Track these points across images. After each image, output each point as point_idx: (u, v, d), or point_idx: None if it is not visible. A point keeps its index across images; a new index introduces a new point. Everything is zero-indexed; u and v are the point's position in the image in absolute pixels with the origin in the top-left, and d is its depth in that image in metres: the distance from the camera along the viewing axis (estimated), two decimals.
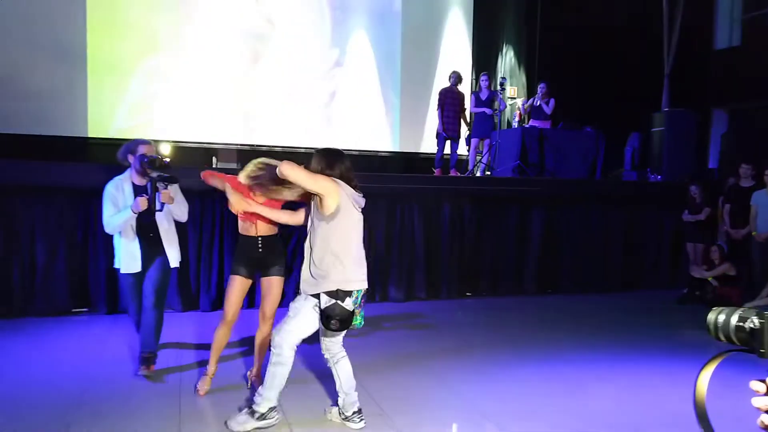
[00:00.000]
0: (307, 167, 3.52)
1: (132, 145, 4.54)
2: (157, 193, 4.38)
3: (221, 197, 6.77)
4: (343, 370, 3.71)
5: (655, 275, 8.95)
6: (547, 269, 8.32)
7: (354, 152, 10.06)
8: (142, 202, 4.34)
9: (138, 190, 4.47)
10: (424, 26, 10.46)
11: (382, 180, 7.46)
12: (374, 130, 10.35)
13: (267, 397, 3.56)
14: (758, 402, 0.97)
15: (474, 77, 10.52)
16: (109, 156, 8.76)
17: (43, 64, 8.71)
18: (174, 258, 4.60)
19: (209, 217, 6.83)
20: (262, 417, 3.57)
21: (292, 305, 3.66)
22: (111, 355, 5.11)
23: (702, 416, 1.02)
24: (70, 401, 4.00)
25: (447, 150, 9.51)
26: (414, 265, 7.62)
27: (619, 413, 4.11)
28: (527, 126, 9.80)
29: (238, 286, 4.13)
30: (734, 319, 0.98)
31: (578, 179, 9.43)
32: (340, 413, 3.77)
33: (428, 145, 10.24)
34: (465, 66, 10.49)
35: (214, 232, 6.85)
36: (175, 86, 9.24)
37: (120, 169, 4.62)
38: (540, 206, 8.25)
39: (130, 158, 4.50)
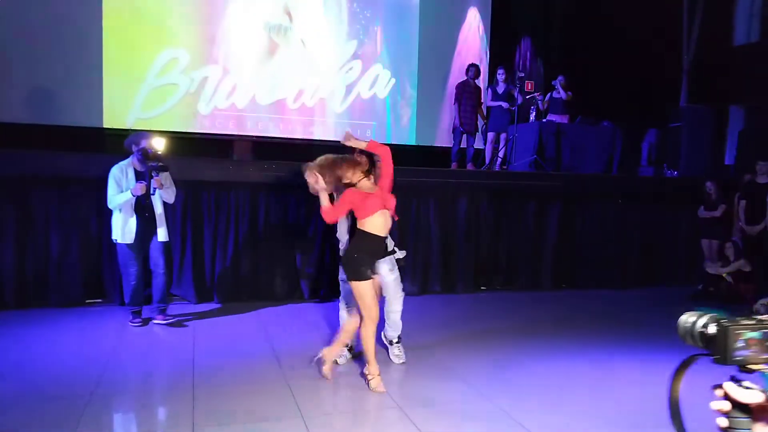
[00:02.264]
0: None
1: (136, 137, 5.45)
2: (151, 180, 5.34)
3: (236, 189, 6.81)
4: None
5: (671, 271, 8.90)
6: (563, 264, 8.29)
7: None
8: (141, 188, 5.31)
9: (138, 176, 5.42)
10: (442, 19, 10.40)
11: (398, 173, 7.41)
12: (391, 123, 10.31)
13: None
14: (716, 405, 0.98)
15: (491, 71, 10.45)
16: (124, 147, 8.83)
17: (58, 54, 8.73)
18: (163, 234, 5.59)
19: (224, 208, 6.84)
20: None
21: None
22: (125, 345, 5.14)
23: (676, 418, 1.03)
24: (82, 392, 4.00)
25: (464, 144, 9.47)
26: (429, 259, 7.61)
27: (634, 408, 4.09)
28: (544, 120, 9.74)
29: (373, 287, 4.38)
30: (699, 324, 1.01)
31: (595, 174, 9.38)
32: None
33: (445, 138, 10.20)
34: (483, 59, 10.43)
35: (229, 224, 6.86)
36: (191, 78, 9.25)
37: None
38: (556, 201, 8.21)
39: (134, 148, 5.42)
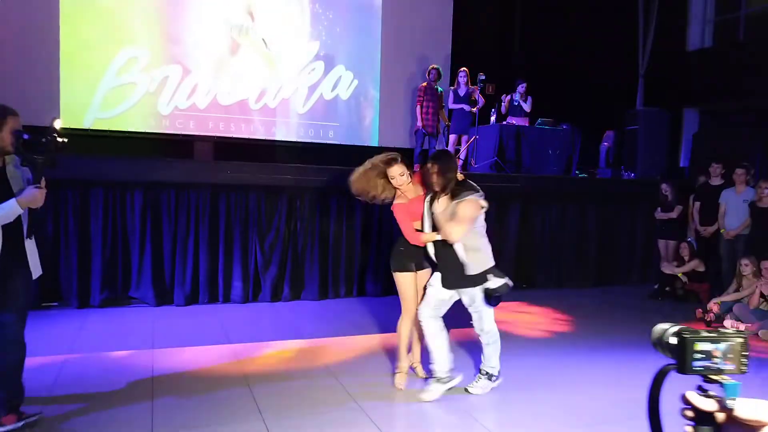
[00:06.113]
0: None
1: None
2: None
3: (196, 190, 6.74)
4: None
5: (628, 271, 9.11)
6: (523, 264, 8.40)
7: (332, 146, 10.04)
8: (41, 195, 3.30)
9: None
10: (404, 21, 10.42)
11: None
12: (353, 124, 10.31)
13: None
14: (684, 414, 1.01)
15: (453, 73, 10.51)
16: (83, 147, 8.67)
17: (13, 51, 8.51)
18: (37, 266, 3.55)
19: (184, 210, 6.76)
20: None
21: None
22: (81, 349, 5.04)
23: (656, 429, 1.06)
24: (37, 396, 3.90)
25: (426, 145, 9.53)
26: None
27: (592, 405, 4.17)
28: (504, 123, 9.86)
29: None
30: (667, 334, 1.04)
31: (554, 176, 9.54)
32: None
33: (407, 140, 10.24)
34: (445, 61, 10.50)
35: (190, 226, 6.78)
36: (151, 77, 9.11)
37: None
38: (517, 202, 8.33)
39: None
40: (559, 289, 8.38)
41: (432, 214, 4.16)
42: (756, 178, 7.86)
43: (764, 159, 10.16)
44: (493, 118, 10.27)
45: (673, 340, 1.02)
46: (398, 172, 4.21)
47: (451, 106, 9.73)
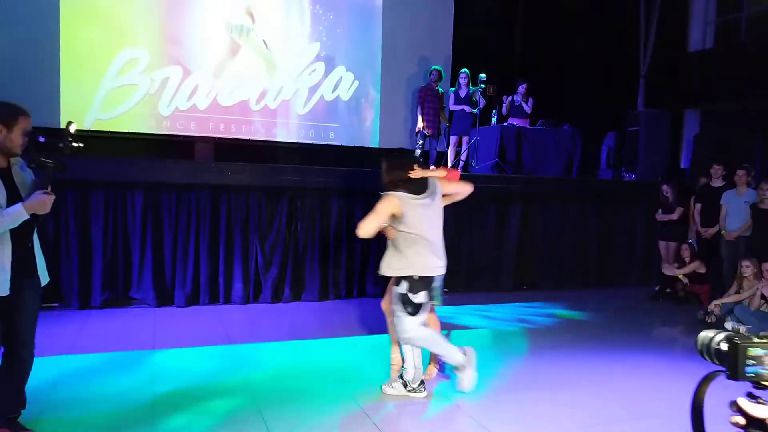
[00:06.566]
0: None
1: (5, 112, 3.12)
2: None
3: (197, 191, 6.75)
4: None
5: (628, 272, 9.11)
6: (524, 265, 8.40)
7: (333, 147, 10.05)
8: (49, 201, 3.14)
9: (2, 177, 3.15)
10: (405, 22, 10.42)
11: (361, 176, 7.44)
12: (354, 125, 10.31)
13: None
14: (733, 420, 1.01)
15: (453, 75, 10.51)
16: (83, 148, 8.67)
17: (13, 52, 8.51)
18: (44, 273, 3.40)
19: (185, 211, 6.76)
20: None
21: None
22: (82, 350, 5.04)
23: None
24: (37, 397, 3.89)
25: (426, 147, 9.53)
26: None
27: (595, 407, 4.16)
28: (505, 124, 9.87)
29: None
30: (715, 341, 1.04)
31: (555, 177, 9.53)
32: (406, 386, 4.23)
33: (408, 141, 10.24)
34: (445, 63, 10.50)
35: (190, 227, 6.78)
36: (151, 78, 9.11)
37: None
38: (517, 203, 8.33)
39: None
40: (560, 290, 8.36)
41: None
42: (757, 180, 7.85)
43: (765, 160, 10.16)
44: (494, 120, 10.27)
45: (723, 347, 1.01)
46: None
47: (452, 107, 9.74)
